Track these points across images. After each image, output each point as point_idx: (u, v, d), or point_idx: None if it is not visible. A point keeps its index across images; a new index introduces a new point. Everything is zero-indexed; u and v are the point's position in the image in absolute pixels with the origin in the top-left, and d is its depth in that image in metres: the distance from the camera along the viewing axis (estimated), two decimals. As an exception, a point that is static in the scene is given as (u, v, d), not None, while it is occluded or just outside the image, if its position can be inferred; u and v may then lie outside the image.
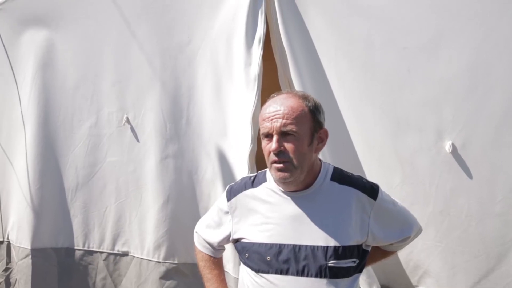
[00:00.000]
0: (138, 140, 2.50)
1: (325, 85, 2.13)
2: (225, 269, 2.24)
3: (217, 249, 1.52)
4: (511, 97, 1.89)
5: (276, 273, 1.28)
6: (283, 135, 1.24)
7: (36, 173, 2.73)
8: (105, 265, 2.65)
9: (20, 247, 2.82)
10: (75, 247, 2.72)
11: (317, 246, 1.26)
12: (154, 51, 2.41)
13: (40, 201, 2.74)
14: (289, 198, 1.31)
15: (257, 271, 1.31)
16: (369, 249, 1.37)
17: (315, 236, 1.27)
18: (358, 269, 1.32)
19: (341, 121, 2.13)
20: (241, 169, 2.17)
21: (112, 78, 2.54)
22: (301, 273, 1.26)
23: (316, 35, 2.13)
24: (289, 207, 1.31)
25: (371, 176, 2.07)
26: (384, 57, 2.03)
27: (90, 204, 2.66)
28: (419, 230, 1.50)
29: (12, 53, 2.80)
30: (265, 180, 1.38)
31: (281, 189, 1.32)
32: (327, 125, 2.08)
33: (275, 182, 1.32)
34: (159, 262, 2.48)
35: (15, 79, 2.83)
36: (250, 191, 1.38)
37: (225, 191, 1.46)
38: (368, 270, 2.10)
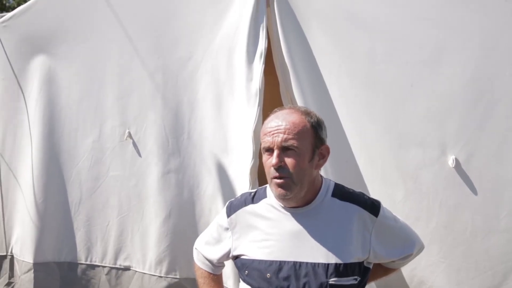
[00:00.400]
0: (140, 155, 2.51)
1: (327, 100, 2.12)
2: (225, 285, 2.23)
3: (217, 265, 1.51)
4: (515, 111, 1.87)
5: None
6: (284, 150, 1.23)
7: (40, 186, 2.74)
8: (107, 280, 2.64)
9: (23, 261, 2.82)
10: (78, 261, 2.71)
11: (318, 263, 1.24)
12: (156, 66, 2.42)
13: (43, 215, 2.75)
14: (289, 214, 1.30)
15: None
16: (371, 267, 1.35)
17: (316, 253, 1.25)
18: (360, 286, 1.30)
19: (343, 136, 2.11)
20: (243, 185, 2.16)
21: (114, 93, 2.55)
22: None
23: (318, 50, 2.13)
24: (289, 224, 1.29)
25: (373, 191, 2.06)
26: (386, 71, 2.02)
27: (93, 218, 2.67)
28: (421, 247, 1.49)
29: (17, 69, 2.84)
30: (265, 196, 1.37)
31: (282, 205, 1.31)
32: (329, 140, 2.07)
33: (275, 198, 1.31)
34: (161, 276, 2.46)
35: (23, 94, 2.87)
36: (250, 207, 1.38)
37: (225, 207, 1.45)
38: (371, 286, 2.07)
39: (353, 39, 2.07)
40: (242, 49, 2.18)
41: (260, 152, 1.42)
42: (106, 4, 2.48)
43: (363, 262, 1.30)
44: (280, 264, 1.26)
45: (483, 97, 1.90)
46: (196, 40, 2.33)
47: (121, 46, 2.48)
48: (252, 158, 2.11)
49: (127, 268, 2.60)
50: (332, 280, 1.23)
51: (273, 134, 1.24)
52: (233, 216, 1.40)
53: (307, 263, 1.25)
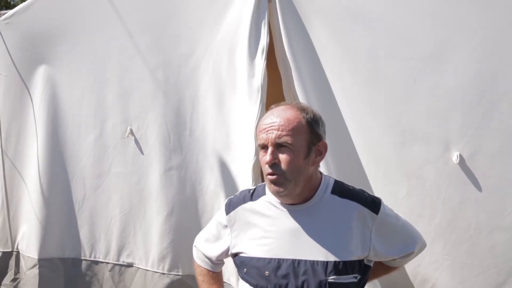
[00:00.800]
0: (141, 152, 2.51)
1: (329, 96, 2.10)
2: (228, 282, 2.24)
3: (216, 263, 1.50)
4: (520, 106, 1.85)
5: None
6: (278, 147, 1.22)
7: (45, 184, 2.76)
8: (110, 276, 2.65)
9: (28, 257, 2.85)
10: (82, 258, 2.73)
11: (317, 261, 1.23)
12: (157, 63, 2.42)
13: (48, 212, 2.77)
14: (288, 211, 1.29)
15: (256, 286, 1.29)
16: (371, 265, 1.34)
17: (315, 251, 1.24)
18: (360, 285, 1.29)
19: (346, 133, 2.10)
20: (245, 181, 2.15)
21: (116, 90, 2.56)
22: None
23: (320, 46, 2.11)
24: (288, 221, 1.28)
25: (376, 188, 2.05)
26: (389, 68, 2.00)
27: (96, 215, 2.68)
28: (423, 246, 1.47)
29: (20, 66, 2.85)
30: (264, 193, 1.36)
31: (280, 202, 1.30)
32: (331, 137, 2.05)
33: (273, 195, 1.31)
34: (164, 273, 2.47)
35: (28, 92, 2.88)
36: (249, 204, 1.37)
37: (224, 204, 1.45)
38: (375, 284, 2.06)
39: (355, 35, 2.05)
40: (243, 45, 2.17)
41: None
42: (107, 2, 2.47)
43: (363, 260, 1.29)
44: (279, 262, 1.25)
45: (487, 93, 1.87)
46: (197, 37, 2.32)
47: (122, 43, 2.48)
48: (255, 155, 2.10)
49: (130, 265, 2.61)
50: (331, 278, 1.21)
51: (267, 131, 1.23)
52: (232, 213, 1.39)
53: (306, 260, 1.24)
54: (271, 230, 1.30)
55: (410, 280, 2.11)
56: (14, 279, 2.97)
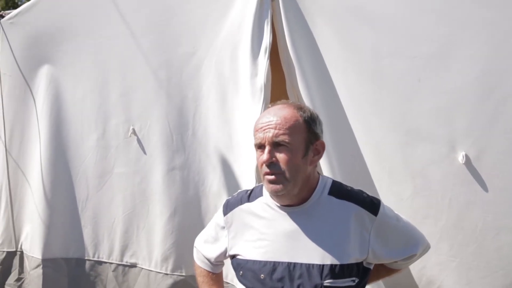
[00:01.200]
0: (144, 152, 2.50)
1: (333, 96, 2.08)
2: (232, 283, 2.22)
3: (215, 264, 1.49)
4: (527, 106, 1.82)
5: None
6: (276, 146, 1.20)
7: (48, 184, 2.77)
8: (114, 276, 2.65)
9: (32, 257, 2.86)
10: (85, 258, 2.73)
11: (312, 264, 1.21)
12: (159, 62, 2.41)
13: (51, 212, 2.77)
14: (285, 213, 1.27)
15: None
16: (371, 267, 1.31)
17: (311, 254, 1.22)
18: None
19: (350, 133, 2.08)
20: (248, 181, 2.13)
21: (118, 89, 2.56)
22: None
23: (324, 45, 2.09)
24: (284, 223, 1.26)
25: (381, 188, 2.03)
26: (393, 67, 1.97)
27: (99, 215, 2.68)
28: (427, 248, 1.43)
29: (24, 66, 2.87)
30: (261, 195, 1.34)
31: (277, 203, 1.28)
32: (335, 137, 2.03)
33: (270, 196, 1.28)
34: (167, 274, 2.46)
35: (31, 91, 2.89)
36: (246, 205, 1.35)
37: (222, 205, 1.43)
38: (379, 285, 2.04)
39: (359, 33, 2.02)
40: (246, 44, 2.15)
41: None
42: (110, 1, 2.47)
43: (362, 262, 1.26)
44: (274, 265, 1.23)
45: (493, 92, 1.84)
46: (200, 36, 2.31)
47: (125, 42, 2.48)
48: (258, 154, 2.09)
49: (133, 265, 2.61)
50: (327, 282, 1.19)
51: (264, 129, 1.21)
52: (229, 214, 1.38)
53: (301, 264, 1.21)
54: (267, 232, 1.28)
55: (415, 281, 2.09)
56: (18, 279, 2.98)
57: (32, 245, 2.86)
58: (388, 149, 2.03)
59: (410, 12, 1.94)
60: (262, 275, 1.24)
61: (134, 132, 2.51)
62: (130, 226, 2.59)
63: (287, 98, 2.17)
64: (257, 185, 1.42)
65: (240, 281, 1.32)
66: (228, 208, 1.40)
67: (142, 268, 2.57)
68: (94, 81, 2.62)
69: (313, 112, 1.28)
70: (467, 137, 1.90)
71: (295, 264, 1.22)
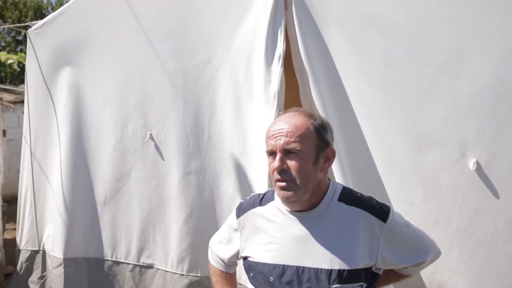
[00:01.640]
0: (161, 156, 2.57)
1: (345, 102, 2.11)
2: (245, 285, 2.27)
3: (229, 264, 1.53)
4: (538, 113, 1.82)
5: None
6: (287, 153, 1.22)
7: (69, 186, 2.87)
8: (131, 276, 2.72)
9: (54, 256, 2.96)
10: (104, 258, 2.81)
11: (321, 269, 1.23)
12: (176, 70, 2.48)
13: (72, 213, 2.87)
14: (295, 218, 1.29)
15: None
16: (380, 272, 1.33)
17: (319, 259, 1.24)
18: None
19: (362, 139, 2.10)
20: (261, 185, 2.18)
21: (137, 96, 2.63)
22: None
23: (336, 52, 2.12)
24: (294, 228, 1.29)
25: (392, 193, 2.04)
26: (405, 74, 1.99)
27: (117, 217, 2.76)
28: (437, 254, 1.43)
29: (48, 74, 2.99)
30: (273, 199, 1.37)
31: (288, 208, 1.31)
32: (347, 143, 2.05)
33: (281, 201, 1.32)
34: (183, 274, 2.52)
35: (51, 98, 3.00)
36: (258, 209, 1.38)
37: (235, 208, 1.47)
38: (390, 289, 2.06)
39: (371, 41, 2.05)
40: (260, 52, 2.20)
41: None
42: (128, 11, 2.55)
43: (371, 268, 1.28)
44: (283, 268, 1.26)
45: (505, 98, 1.85)
46: (215, 44, 2.37)
47: (144, 50, 2.55)
48: (271, 160, 2.13)
49: (150, 266, 2.68)
50: (334, 286, 1.21)
51: (275, 137, 1.23)
52: (242, 217, 1.41)
53: (310, 268, 1.24)
54: (277, 236, 1.30)
55: (426, 286, 2.10)
56: (41, 277, 3.09)
57: (54, 245, 2.96)
58: (399, 155, 2.04)
59: (422, 19, 1.96)
60: (271, 277, 1.27)
61: (151, 137, 2.57)
62: (146, 228, 2.65)
63: (300, 104, 2.21)
64: (269, 189, 1.45)
65: (251, 283, 1.35)
66: (241, 211, 1.43)
67: (159, 269, 2.63)
68: (113, 87, 2.71)
69: (324, 120, 1.29)
70: (478, 143, 1.90)
71: (303, 268, 1.24)
